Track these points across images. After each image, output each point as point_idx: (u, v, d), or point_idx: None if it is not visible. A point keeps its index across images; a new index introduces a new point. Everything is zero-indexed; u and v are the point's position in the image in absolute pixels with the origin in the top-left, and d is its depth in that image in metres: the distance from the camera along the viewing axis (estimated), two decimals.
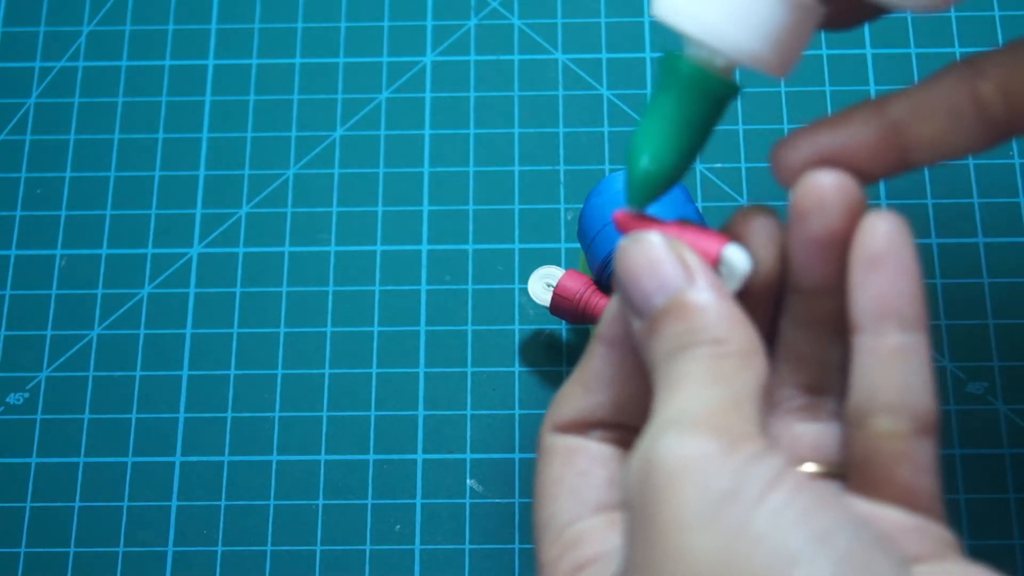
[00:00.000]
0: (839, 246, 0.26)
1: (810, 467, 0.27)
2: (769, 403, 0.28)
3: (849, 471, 0.26)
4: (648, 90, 0.51)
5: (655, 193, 0.27)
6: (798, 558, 0.21)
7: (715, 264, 0.26)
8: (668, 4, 0.26)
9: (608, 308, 0.28)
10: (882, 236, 0.25)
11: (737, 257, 0.26)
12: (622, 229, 0.27)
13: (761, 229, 0.27)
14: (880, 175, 0.27)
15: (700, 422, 0.23)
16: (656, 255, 0.26)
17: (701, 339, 0.24)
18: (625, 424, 0.28)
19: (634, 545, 0.23)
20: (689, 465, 0.22)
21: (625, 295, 0.26)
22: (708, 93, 0.26)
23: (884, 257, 0.25)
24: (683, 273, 0.26)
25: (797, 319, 0.27)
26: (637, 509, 0.23)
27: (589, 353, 0.28)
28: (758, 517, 0.21)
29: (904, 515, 0.25)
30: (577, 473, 0.27)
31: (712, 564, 0.21)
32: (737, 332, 0.25)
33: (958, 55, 0.51)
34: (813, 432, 0.27)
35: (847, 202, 0.26)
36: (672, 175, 0.27)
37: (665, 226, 0.27)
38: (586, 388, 0.28)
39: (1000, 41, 0.51)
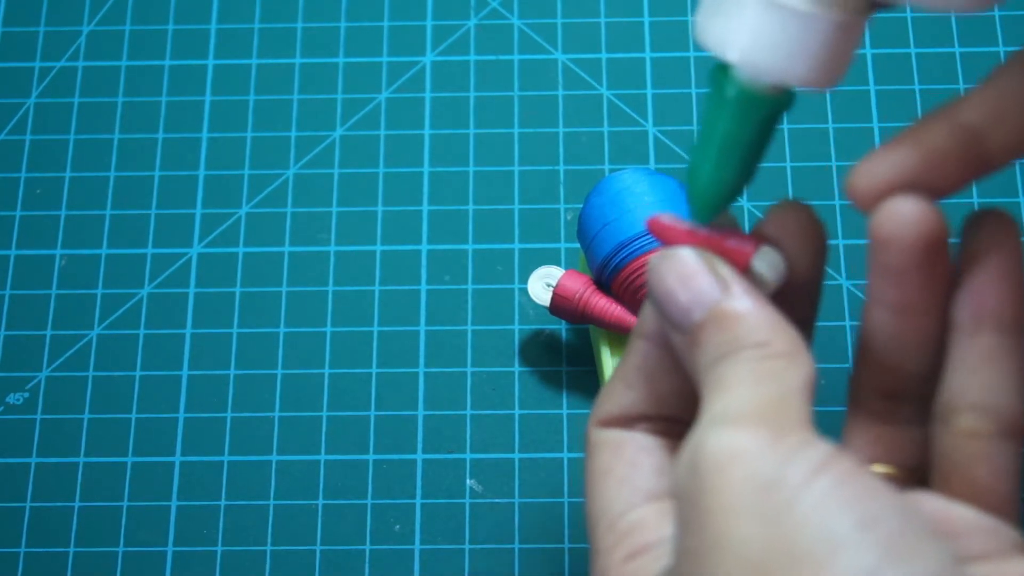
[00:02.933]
0: (920, 273, 0.26)
1: (880, 468, 0.27)
2: (853, 402, 0.28)
3: (931, 467, 0.26)
4: (648, 90, 0.51)
5: (719, 209, 0.27)
6: (843, 542, 0.21)
7: (745, 270, 0.26)
8: (710, 31, 0.26)
9: (647, 309, 0.28)
10: (987, 236, 0.25)
11: (767, 264, 0.26)
12: (656, 236, 0.28)
13: (795, 226, 0.27)
14: (962, 184, 0.26)
15: (747, 416, 0.23)
16: (688, 269, 0.26)
17: (744, 344, 0.25)
18: (668, 416, 0.28)
19: (684, 533, 0.23)
20: (736, 455, 0.23)
21: (662, 311, 0.26)
22: (759, 111, 0.26)
23: (987, 257, 0.25)
24: (717, 284, 0.26)
25: (878, 311, 0.27)
26: (686, 499, 0.23)
27: (629, 350, 0.28)
28: (803, 502, 0.22)
29: (976, 514, 0.25)
30: (626, 463, 0.27)
31: (758, 549, 0.21)
32: (779, 334, 0.25)
33: (958, 55, 0.51)
34: (888, 435, 0.28)
35: (928, 232, 0.25)
36: (734, 189, 0.27)
37: (696, 235, 0.27)
38: (628, 384, 0.28)
39: (1000, 41, 0.51)
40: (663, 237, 0.27)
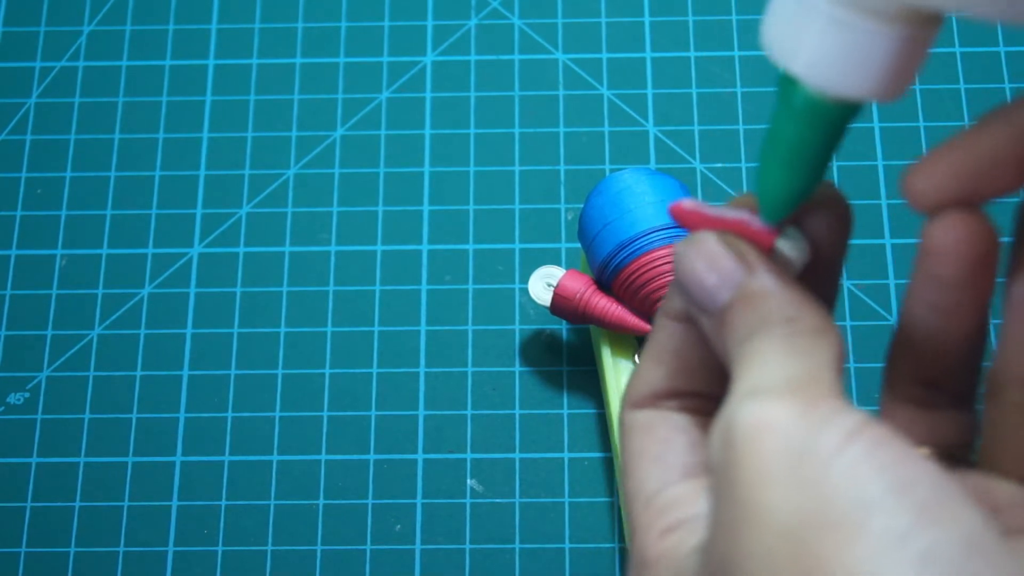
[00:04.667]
0: (967, 283, 0.26)
1: (921, 450, 0.27)
2: (889, 387, 0.28)
3: (977, 443, 0.26)
4: (648, 90, 0.51)
5: (788, 211, 0.28)
6: (876, 506, 0.21)
7: (769, 251, 0.27)
8: (776, 41, 0.26)
9: (673, 287, 0.28)
10: None
11: (791, 245, 0.27)
12: (680, 222, 0.28)
13: (820, 202, 0.27)
14: (1019, 187, 0.27)
15: (779, 388, 0.23)
16: (712, 252, 0.26)
17: (772, 321, 0.25)
18: (698, 392, 0.28)
19: (719, 506, 0.23)
20: (768, 425, 0.23)
21: (689, 296, 0.27)
22: (825, 120, 0.26)
23: None
24: (742, 265, 0.26)
25: (920, 309, 0.27)
26: (720, 472, 0.24)
27: (656, 328, 0.29)
28: (835, 468, 0.22)
29: (1019, 489, 0.25)
30: (659, 441, 0.28)
31: (791, 516, 0.22)
32: (806, 311, 0.25)
33: (958, 55, 0.51)
34: (926, 418, 0.28)
35: (979, 247, 0.26)
36: (802, 192, 0.28)
37: (720, 219, 0.27)
38: (657, 361, 0.28)
39: (1000, 40, 0.51)
40: (687, 223, 0.28)
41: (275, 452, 0.45)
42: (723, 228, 0.27)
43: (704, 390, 0.28)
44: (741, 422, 0.23)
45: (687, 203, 0.28)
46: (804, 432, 0.22)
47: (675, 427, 0.28)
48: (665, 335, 0.28)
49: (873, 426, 0.22)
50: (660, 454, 0.28)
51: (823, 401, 0.23)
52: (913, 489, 0.21)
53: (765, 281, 0.26)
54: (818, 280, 0.28)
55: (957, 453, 0.27)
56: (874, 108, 0.50)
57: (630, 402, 0.29)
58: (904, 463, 0.22)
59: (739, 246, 0.26)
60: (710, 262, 0.26)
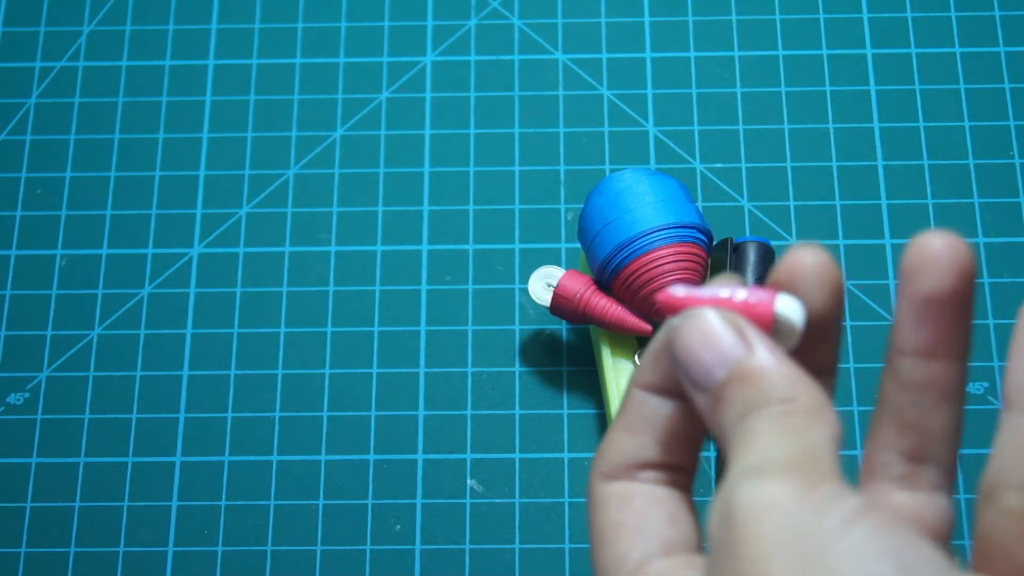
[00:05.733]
0: (948, 307, 0.26)
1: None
2: (869, 468, 0.28)
3: (973, 544, 0.26)
4: (648, 90, 0.51)
5: None
6: None
7: (769, 326, 0.27)
8: None
9: (644, 356, 0.28)
10: None
11: (789, 314, 0.26)
12: (671, 310, 0.28)
13: (813, 270, 0.27)
14: None
15: (779, 467, 0.23)
16: (711, 329, 0.26)
17: (769, 400, 0.25)
18: (673, 464, 0.28)
19: None
20: (769, 504, 0.23)
21: (684, 373, 0.26)
22: None
23: None
24: (740, 342, 0.26)
25: (902, 382, 0.27)
26: (719, 550, 0.23)
27: (628, 399, 0.28)
28: (839, 549, 0.22)
29: None
30: (637, 515, 0.27)
31: None
32: (803, 390, 0.25)
33: (958, 55, 0.51)
34: (912, 502, 0.28)
35: (957, 261, 0.26)
36: None
37: (714, 298, 0.27)
38: (631, 431, 0.28)
39: (1000, 40, 0.51)
40: (681, 310, 0.28)
41: (275, 452, 0.45)
42: (718, 306, 0.27)
43: (679, 463, 0.28)
44: (741, 500, 0.23)
45: (678, 291, 0.28)
46: (807, 512, 0.22)
47: (652, 500, 0.27)
48: (640, 406, 0.28)
49: (875, 510, 0.22)
50: (639, 527, 0.27)
51: (824, 483, 0.23)
52: (919, 572, 0.21)
53: (763, 359, 0.25)
54: (817, 346, 0.27)
55: (944, 543, 0.27)
56: (874, 108, 0.50)
57: (602, 472, 0.28)
58: (908, 546, 0.22)
59: (737, 322, 0.26)
60: (707, 338, 0.26)
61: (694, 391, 0.26)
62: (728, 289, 0.27)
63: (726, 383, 0.26)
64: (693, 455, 0.27)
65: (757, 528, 0.22)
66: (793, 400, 0.25)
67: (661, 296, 0.28)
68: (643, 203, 0.42)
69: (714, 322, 0.26)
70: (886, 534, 0.22)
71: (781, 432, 0.24)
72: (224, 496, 0.45)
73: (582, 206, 0.44)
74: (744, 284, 0.27)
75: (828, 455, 0.24)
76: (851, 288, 0.47)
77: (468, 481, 0.45)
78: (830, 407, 0.25)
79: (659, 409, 0.28)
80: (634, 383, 0.28)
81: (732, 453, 0.25)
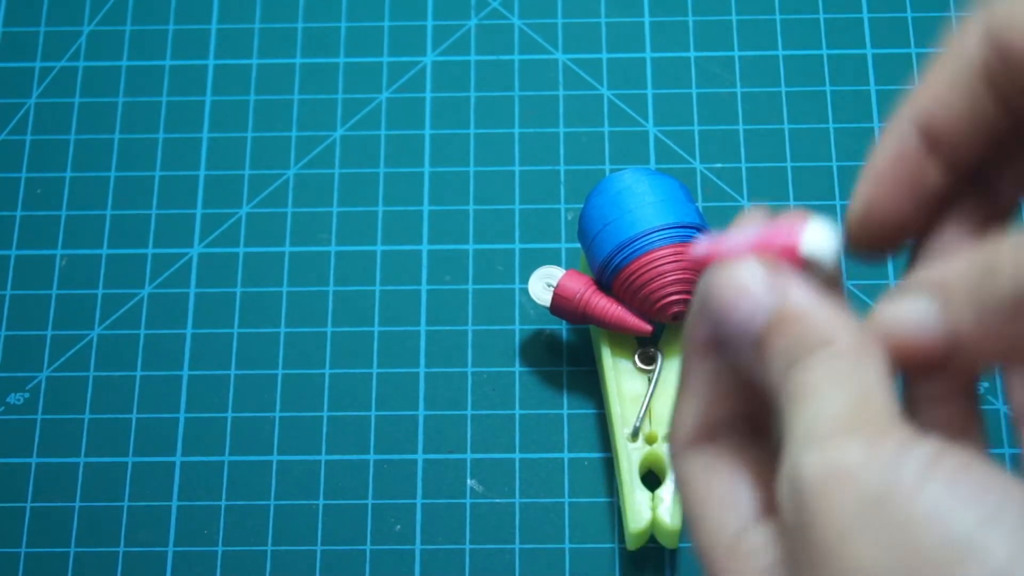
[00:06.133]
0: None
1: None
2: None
3: None
4: (648, 90, 0.51)
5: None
6: (970, 543, 0.20)
7: (799, 260, 0.25)
8: None
9: (689, 318, 0.27)
10: None
11: (820, 239, 0.25)
12: (700, 267, 0.26)
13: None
14: (940, 184, 0.26)
15: (836, 429, 0.22)
16: (739, 279, 0.25)
17: (810, 346, 0.24)
18: (748, 415, 0.27)
19: (798, 567, 0.22)
20: (837, 474, 0.21)
21: (723, 327, 0.25)
22: None
23: None
24: (772, 288, 0.25)
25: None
26: (794, 531, 0.22)
27: (686, 362, 0.27)
28: (919, 507, 0.20)
29: None
30: (723, 483, 0.26)
31: (881, 565, 0.20)
32: (842, 330, 0.24)
33: None
34: None
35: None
36: None
37: (740, 243, 0.26)
38: (696, 395, 0.27)
39: None
40: (708, 261, 0.26)
41: (275, 452, 0.45)
42: (746, 251, 0.25)
43: (753, 412, 0.27)
44: (807, 473, 0.22)
45: (701, 245, 0.26)
46: (878, 475, 0.21)
47: (737, 462, 0.26)
48: (698, 368, 0.27)
49: (950, 453, 0.21)
50: (727, 496, 0.26)
51: (889, 434, 0.22)
52: (1004, 518, 0.20)
53: (797, 302, 0.24)
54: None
55: None
56: (874, 107, 0.50)
57: (680, 443, 0.27)
58: (990, 489, 0.21)
59: (765, 267, 0.25)
60: (737, 291, 0.25)
61: (736, 348, 0.25)
62: (750, 230, 0.26)
63: (764, 335, 0.24)
64: (765, 400, 0.26)
65: (829, 502, 0.21)
66: (833, 342, 0.23)
67: (691, 255, 0.26)
68: (643, 203, 0.42)
69: (742, 272, 0.25)
70: (964, 482, 0.21)
71: (829, 382, 0.23)
72: (224, 496, 0.45)
73: (582, 206, 0.44)
74: (769, 216, 0.26)
75: (883, 398, 0.23)
76: (851, 288, 0.47)
77: (468, 481, 0.45)
78: (870, 343, 0.24)
79: (718, 365, 0.26)
80: (687, 348, 0.27)
81: (786, 413, 0.24)
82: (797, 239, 0.25)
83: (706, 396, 0.27)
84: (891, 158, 0.27)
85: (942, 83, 0.26)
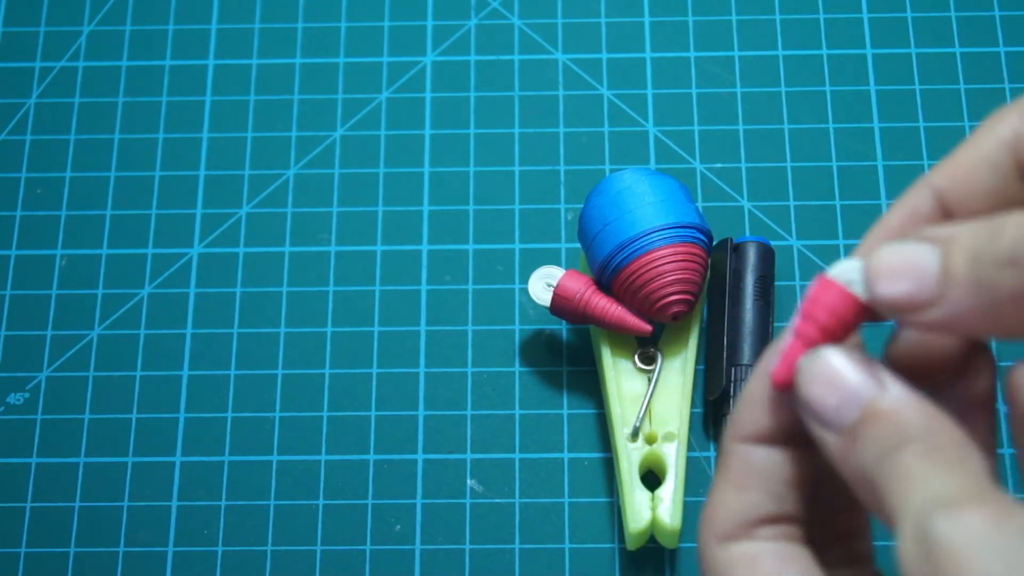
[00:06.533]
0: None
1: None
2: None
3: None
4: (648, 90, 0.51)
5: None
6: None
7: (861, 312, 0.26)
8: None
9: (740, 409, 0.28)
10: None
11: (850, 268, 0.26)
12: (784, 386, 0.27)
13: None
14: None
15: (965, 499, 0.23)
16: (836, 369, 0.26)
17: (911, 437, 0.24)
18: (789, 516, 0.27)
19: None
20: (973, 537, 0.22)
21: (814, 414, 0.26)
22: None
23: None
24: (870, 379, 0.25)
25: None
26: None
27: (729, 454, 0.28)
28: None
29: None
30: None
31: None
32: (941, 425, 0.25)
33: (958, 55, 0.51)
34: None
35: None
36: None
37: (815, 331, 0.27)
38: (739, 487, 0.27)
39: (1000, 40, 0.51)
40: (787, 381, 0.27)
41: (275, 452, 0.45)
42: (826, 339, 0.26)
43: (795, 513, 0.27)
44: (942, 534, 0.23)
45: (774, 368, 0.27)
46: (1012, 540, 0.22)
47: (782, 558, 0.27)
48: (744, 459, 0.27)
49: None
50: None
51: (1013, 510, 0.23)
52: None
53: (897, 396, 0.25)
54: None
55: None
56: (874, 107, 0.50)
57: (716, 535, 0.27)
58: None
59: (864, 358, 0.26)
60: (835, 378, 0.26)
61: (823, 433, 0.26)
62: (797, 323, 0.27)
63: (860, 422, 0.25)
64: (805, 504, 0.27)
65: (967, 561, 0.22)
66: (935, 435, 0.24)
67: (774, 378, 0.27)
68: (643, 203, 0.42)
69: (838, 362, 0.26)
70: None
71: (942, 466, 0.24)
72: (224, 496, 0.45)
73: (582, 206, 0.44)
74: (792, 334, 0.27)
75: (994, 482, 0.24)
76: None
77: (468, 481, 0.45)
78: (968, 439, 0.25)
79: (766, 460, 0.27)
80: (733, 437, 0.28)
81: (890, 490, 0.24)
82: (843, 289, 0.26)
83: (751, 491, 0.27)
84: (903, 214, 0.28)
85: (967, 156, 0.27)
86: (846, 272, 0.26)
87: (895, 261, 0.26)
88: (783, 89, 0.50)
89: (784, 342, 0.27)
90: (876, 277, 0.26)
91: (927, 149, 0.49)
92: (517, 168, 0.49)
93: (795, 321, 0.27)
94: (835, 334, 0.27)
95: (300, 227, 0.49)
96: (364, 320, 0.47)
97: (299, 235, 0.49)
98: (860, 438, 0.25)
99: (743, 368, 0.43)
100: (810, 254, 0.47)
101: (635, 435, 0.42)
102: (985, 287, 0.25)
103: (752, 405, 0.27)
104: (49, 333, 0.47)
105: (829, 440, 0.26)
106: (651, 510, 0.41)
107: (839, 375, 0.26)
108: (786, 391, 0.27)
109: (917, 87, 0.50)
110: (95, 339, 0.47)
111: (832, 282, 0.26)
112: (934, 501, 0.23)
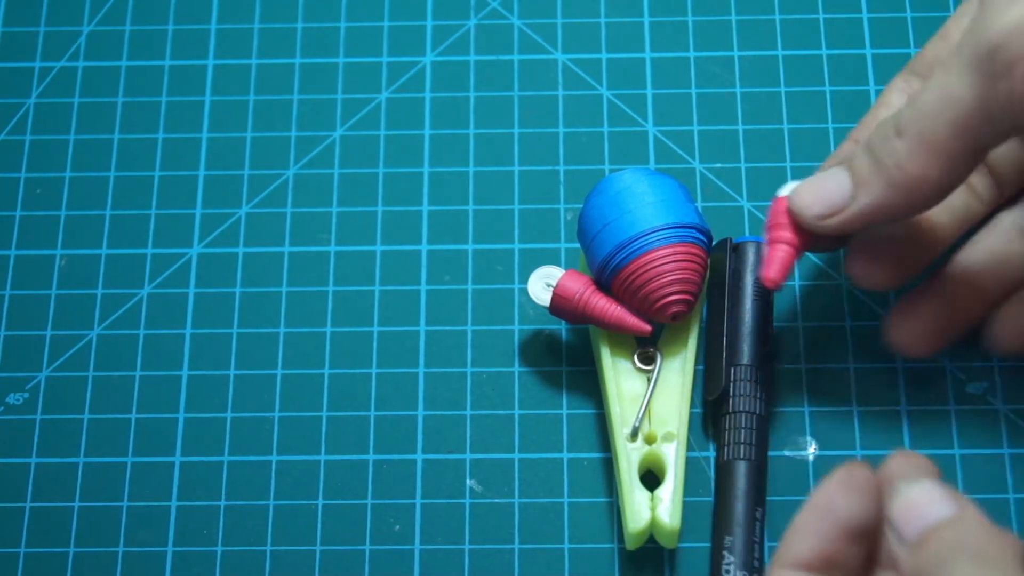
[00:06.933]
0: None
1: None
2: None
3: None
4: (648, 90, 0.51)
5: None
6: None
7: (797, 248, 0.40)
8: None
9: (790, 536, 0.31)
10: None
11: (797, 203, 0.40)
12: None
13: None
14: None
15: None
16: (927, 494, 0.31)
17: (967, 551, 0.29)
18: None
19: None
20: None
21: (897, 529, 0.31)
22: None
23: None
24: (953, 502, 0.31)
25: None
26: None
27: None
28: None
29: None
30: None
31: None
32: (993, 541, 0.29)
33: None
34: None
35: None
36: None
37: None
38: (814, 533, 0.32)
39: None
40: (779, 267, 0.40)
41: (275, 452, 0.45)
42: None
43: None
44: None
45: (765, 272, 0.39)
46: None
47: None
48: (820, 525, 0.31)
49: None
50: None
51: None
52: None
53: (970, 515, 0.30)
54: None
55: None
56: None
57: (789, 562, 0.31)
58: None
59: (945, 488, 0.31)
60: (914, 507, 0.31)
61: (898, 544, 0.31)
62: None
63: (927, 535, 0.30)
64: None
65: None
66: (987, 551, 0.29)
67: (766, 278, 0.39)
68: (643, 203, 0.42)
69: (929, 490, 0.31)
70: None
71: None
72: (224, 496, 0.45)
73: (581, 206, 0.44)
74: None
75: None
76: (850, 289, 0.47)
77: (468, 481, 0.45)
78: (1019, 558, 0.29)
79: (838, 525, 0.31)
80: (782, 563, 0.31)
81: None
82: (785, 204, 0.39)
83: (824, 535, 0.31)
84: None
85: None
86: (792, 189, 0.39)
87: (810, 190, 0.38)
88: (783, 89, 0.50)
89: (765, 251, 0.39)
90: (800, 209, 0.38)
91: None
92: (517, 168, 0.49)
93: (767, 234, 0.39)
94: (800, 229, 0.39)
95: (300, 227, 0.49)
96: (363, 320, 0.47)
97: (299, 235, 0.49)
98: (924, 545, 0.30)
99: (743, 368, 0.42)
100: (809, 254, 0.47)
101: (634, 435, 0.42)
102: (884, 164, 0.34)
103: (803, 534, 0.31)
104: (48, 333, 0.47)
105: (898, 549, 0.31)
106: (650, 510, 0.41)
107: (929, 497, 0.31)
108: (777, 289, 0.39)
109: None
110: (94, 339, 0.47)
111: (783, 199, 0.40)
112: None
